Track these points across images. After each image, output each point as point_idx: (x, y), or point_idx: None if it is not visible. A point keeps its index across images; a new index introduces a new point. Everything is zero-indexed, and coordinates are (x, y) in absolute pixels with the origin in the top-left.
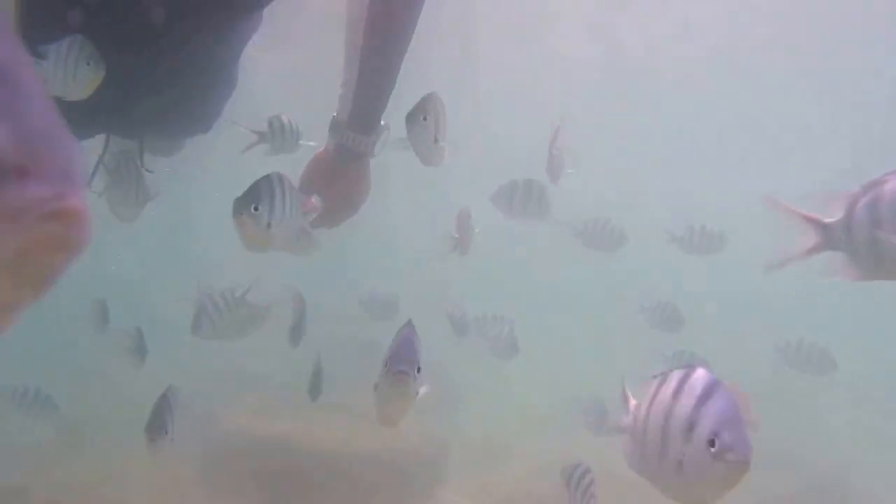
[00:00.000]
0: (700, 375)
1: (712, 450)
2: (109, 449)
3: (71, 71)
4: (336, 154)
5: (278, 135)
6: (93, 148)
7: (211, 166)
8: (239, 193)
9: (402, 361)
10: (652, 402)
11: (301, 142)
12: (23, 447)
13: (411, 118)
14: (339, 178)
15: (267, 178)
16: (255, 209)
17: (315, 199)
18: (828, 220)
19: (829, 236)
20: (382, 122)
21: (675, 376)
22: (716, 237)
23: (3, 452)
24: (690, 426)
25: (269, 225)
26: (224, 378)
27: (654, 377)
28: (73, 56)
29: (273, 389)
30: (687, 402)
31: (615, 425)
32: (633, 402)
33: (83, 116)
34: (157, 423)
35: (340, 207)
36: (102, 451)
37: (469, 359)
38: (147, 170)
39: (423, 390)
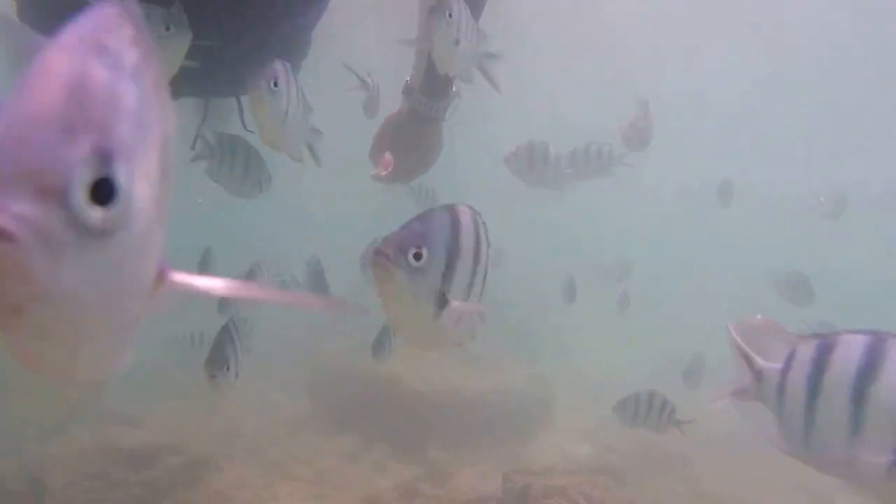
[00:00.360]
0: None
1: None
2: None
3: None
4: (408, 117)
5: (373, 92)
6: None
7: None
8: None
9: (388, 241)
10: (815, 369)
11: None
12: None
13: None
14: (410, 139)
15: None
16: (275, 85)
17: (388, 156)
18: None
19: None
20: (454, 89)
21: (853, 342)
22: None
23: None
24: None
25: (286, 112)
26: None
27: (807, 336)
28: (158, 23)
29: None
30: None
31: (737, 388)
32: (759, 361)
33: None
34: (219, 359)
35: (411, 166)
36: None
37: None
38: (248, 129)
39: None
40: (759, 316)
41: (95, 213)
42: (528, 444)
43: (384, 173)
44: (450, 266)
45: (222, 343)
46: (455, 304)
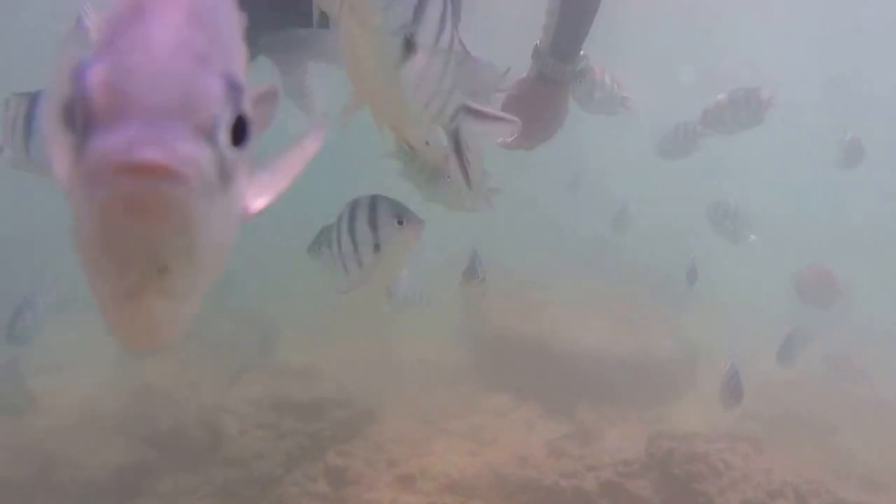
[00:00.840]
0: None
1: None
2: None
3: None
4: (536, 81)
5: None
6: None
7: None
8: None
9: None
10: None
11: None
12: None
13: None
14: (538, 103)
15: None
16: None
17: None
18: None
19: None
20: (581, 52)
21: None
22: None
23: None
24: None
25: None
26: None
27: None
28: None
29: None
30: None
31: None
32: None
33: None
34: (472, 270)
35: (537, 131)
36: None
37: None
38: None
39: None
40: None
41: (232, 155)
42: (671, 406)
43: (510, 139)
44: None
45: (474, 260)
46: (422, 56)
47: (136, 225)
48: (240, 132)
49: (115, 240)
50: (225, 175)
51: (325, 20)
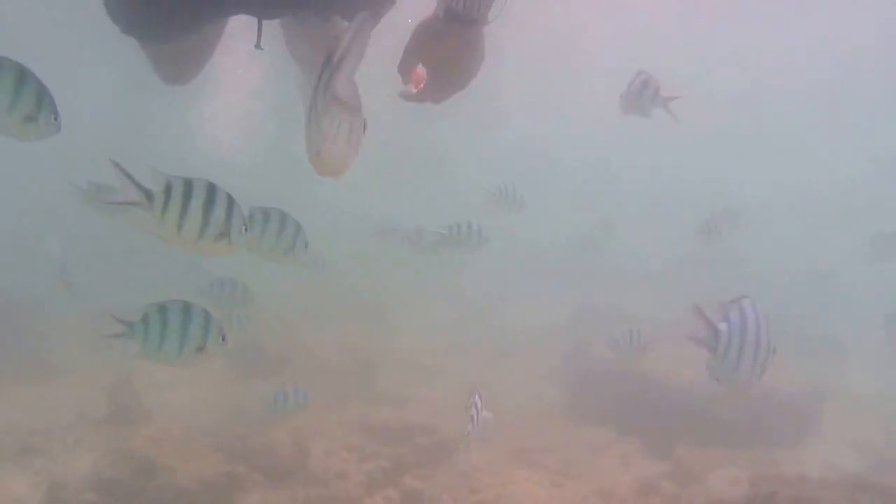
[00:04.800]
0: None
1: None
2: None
3: None
4: (444, 19)
5: None
6: None
7: None
8: None
9: None
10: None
11: None
12: None
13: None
14: (446, 46)
15: None
16: None
17: (420, 70)
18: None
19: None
20: None
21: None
22: None
23: None
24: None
25: None
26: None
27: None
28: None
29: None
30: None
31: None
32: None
33: None
34: None
35: (446, 81)
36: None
37: None
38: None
39: None
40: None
41: None
42: (790, 450)
43: (415, 90)
44: None
45: None
46: None
47: None
48: None
49: None
50: None
51: None
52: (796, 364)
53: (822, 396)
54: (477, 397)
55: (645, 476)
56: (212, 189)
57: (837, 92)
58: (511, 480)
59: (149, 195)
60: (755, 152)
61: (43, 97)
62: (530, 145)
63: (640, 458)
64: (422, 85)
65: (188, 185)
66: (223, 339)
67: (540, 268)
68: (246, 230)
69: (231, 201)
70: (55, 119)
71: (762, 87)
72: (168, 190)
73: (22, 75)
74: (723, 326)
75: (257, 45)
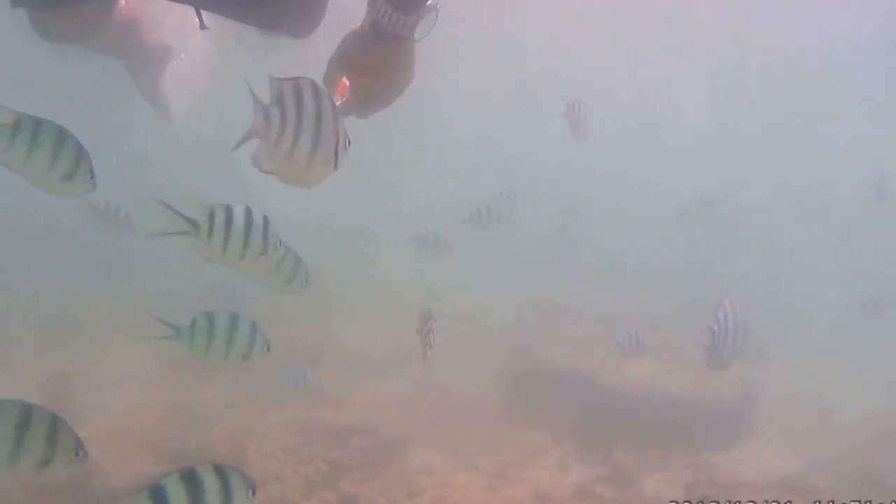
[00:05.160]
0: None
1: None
2: None
3: None
4: (371, 33)
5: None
6: None
7: None
8: None
9: None
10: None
11: None
12: None
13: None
14: (371, 61)
15: None
16: None
17: (345, 83)
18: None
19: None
20: (430, 2)
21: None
22: None
23: None
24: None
25: None
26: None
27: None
28: None
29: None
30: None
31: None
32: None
33: None
34: None
35: (371, 96)
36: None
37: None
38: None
39: None
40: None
41: None
42: (726, 453)
43: (338, 102)
44: None
45: None
46: None
47: None
48: None
49: None
50: None
51: None
52: (736, 366)
53: (760, 398)
54: (432, 322)
55: (582, 480)
56: (249, 213)
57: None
58: (448, 483)
59: (195, 224)
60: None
61: (81, 157)
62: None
63: (577, 462)
64: (345, 98)
65: (229, 212)
66: (268, 349)
67: (505, 262)
68: (280, 244)
69: (266, 222)
70: (91, 178)
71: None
72: (211, 218)
73: (62, 136)
74: (714, 327)
75: (201, 26)
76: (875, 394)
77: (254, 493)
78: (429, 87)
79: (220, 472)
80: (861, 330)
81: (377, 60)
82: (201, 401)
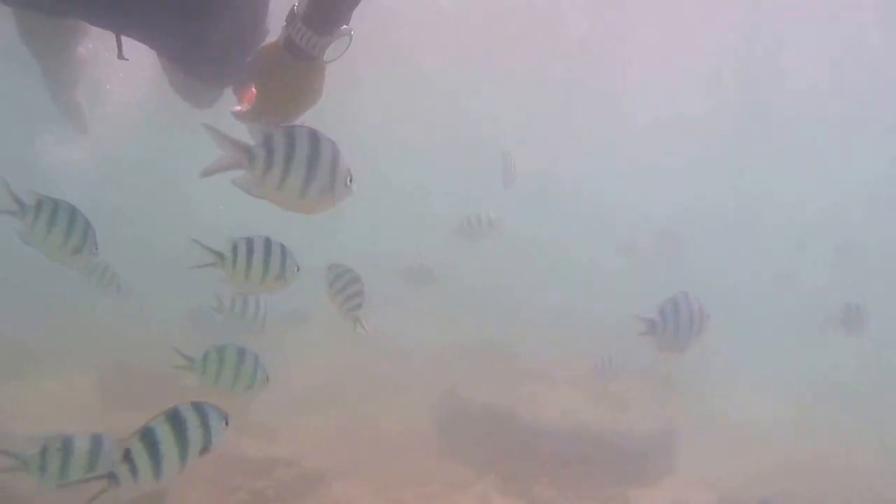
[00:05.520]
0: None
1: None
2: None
3: None
4: (284, 49)
5: None
6: None
7: None
8: None
9: None
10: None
11: None
12: None
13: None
14: (283, 75)
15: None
16: None
17: (252, 92)
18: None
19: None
20: (345, 26)
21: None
22: None
23: None
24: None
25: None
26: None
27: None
28: None
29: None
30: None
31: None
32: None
33: None
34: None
35: (277, 108)
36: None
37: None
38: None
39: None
40: None
41: None
42: (644, 488)
43: (244, 109)
44: None
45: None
46: None
47: None
48: None
49: None
50: None
51: None
52: (657, 400)
53: (680, 433)
54: (355, 284)
55: None
56: (268, 244)
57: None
58: None
59: (221, 256)
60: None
61: (87, 233)
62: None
63: (499, 495)
64: (250, 106)
65: (250, 243)
66: (267, 380)
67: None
68: (298, 270)
69: (284, 251)
70: (95, 250)
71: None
72: (235, 249)
73: (73, 214)
74: (657, 318)
75: (119, 56)
76: (789, 424)
77: (227, 424)
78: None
79: (199, 408)
80: (789, 358)
81: (287, 75)
82: (132, 430)
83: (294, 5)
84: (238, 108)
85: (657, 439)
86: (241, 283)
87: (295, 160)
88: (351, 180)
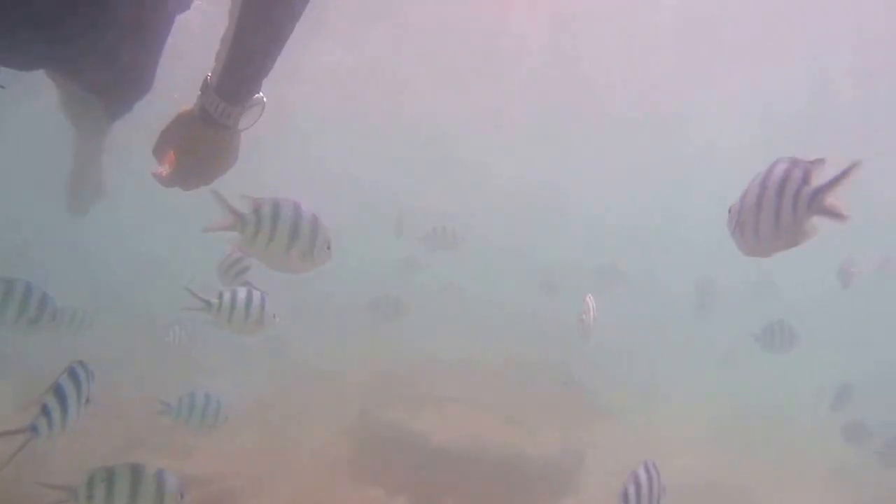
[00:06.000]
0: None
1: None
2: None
3: None
4: (198, 117)
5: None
6: None
7: None
8: None
9: None
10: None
11: None
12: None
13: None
14: (199, 143)
15: None
16: None
17: (171, 156)
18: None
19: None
20: (258, 95)
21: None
22: None
23: None
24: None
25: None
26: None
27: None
28: None
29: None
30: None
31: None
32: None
33: None
34: None
35: (193, 172)
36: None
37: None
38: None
39: None
40: None
41: None
42: None
43: (164, 172)
44: None
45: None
46: None
47: None
48: None
49: None
50: None
51: None
52: (560, 423)
53: (586, 455)
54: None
55: None
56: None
57: None
58: None
59: (209, 303)
60: None
61: (45, 303)
62: None
63: None
64: (170, 170)
65: (234, 293)
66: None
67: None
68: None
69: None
70: (53, 320)
71: None
72: (220, 297)
73: (28, 289)
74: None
75: None
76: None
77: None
78: None
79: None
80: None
81: (201, 142)
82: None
83: (207, 76)
84: (158, 170)
85: (563, 461)
86: (226, 325)
87: (279, 227)
88: (329, 247)
